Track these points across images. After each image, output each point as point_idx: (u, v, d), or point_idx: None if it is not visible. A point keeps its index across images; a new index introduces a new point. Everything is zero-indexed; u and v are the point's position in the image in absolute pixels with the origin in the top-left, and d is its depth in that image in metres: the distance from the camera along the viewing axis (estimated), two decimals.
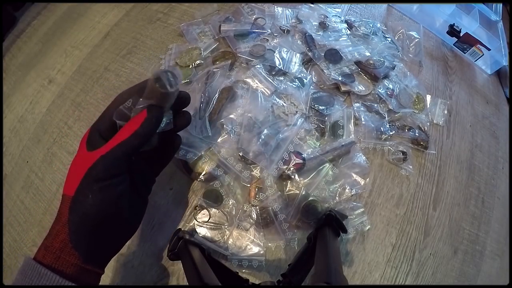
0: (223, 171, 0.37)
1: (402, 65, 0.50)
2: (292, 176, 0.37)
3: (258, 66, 0.44)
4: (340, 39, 0.50)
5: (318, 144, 0.40)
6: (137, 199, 0.28)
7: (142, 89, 0.25)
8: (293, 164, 0.37)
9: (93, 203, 0.23)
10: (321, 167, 0.38)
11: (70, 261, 0.22)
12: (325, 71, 0.45)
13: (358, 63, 0.47)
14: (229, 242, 0.35)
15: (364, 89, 0.45)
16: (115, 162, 0.24)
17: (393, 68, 0.48)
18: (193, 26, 0.50)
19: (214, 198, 0.36)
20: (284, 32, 0.49)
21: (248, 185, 0.37)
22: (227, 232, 0.35)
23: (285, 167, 0.37)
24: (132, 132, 0.24)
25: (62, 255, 0.22)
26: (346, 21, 0.53)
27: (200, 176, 0.37)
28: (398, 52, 0.51)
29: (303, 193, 0.36)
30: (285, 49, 0.46)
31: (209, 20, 0.51)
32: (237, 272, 0.31)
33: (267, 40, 0.48)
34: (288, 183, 0.37)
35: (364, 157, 0.40)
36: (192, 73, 0.45)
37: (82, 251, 0.23)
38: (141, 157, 0.29)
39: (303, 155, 0.38)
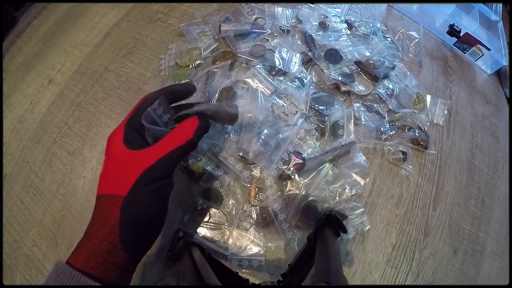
0: (223, 171, 0.37)
1: (402, 65, 0.50)
2: (292, 176, 0.37)
3: (258, 66, 0.44)
4: (340, 39, 0.50)
5: (318, 144, 0.40)
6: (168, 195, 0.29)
7: (171, 93, 0.28)
8: (293, 164, 0.37)
9: (148, 204, 0.23)
10: (321, 167, 0.38)
11: (118, 263, 0.22)
12: (325, 71, 0.45)
13: (358, 63, 0.47)
14: (229, 242, 0.35)
15: (364, 89, 0.45)
16: (171, 165, 0.25)
17: (393, 68, 0.48)
18: (193, 26, 0.50)
19: (214, 198, 0.36)
20: (284, 32, 0.49)
21: (248, 185, 0.37)
22: (227, 232, 0.35)
23: (285, 167, 0.37)
24: (187, 139, 0.25)
25: (110, 258, 0.21)
26: (346, 21, 0.53)
27: (200, 176, 0.37)
28: (398, 52, 0.51)
29: (303, 193, 0.36)
30: (285, 49, 0.46)
31: (209, 20, 0.51)
32: (237, 272, 0.31)
33: (267, 40, 0.48)
34: (288, 183, 0.37)
35: (364, 157, 0.40)
36: (192, 73, 0.45)
37: (131, 252, 0.23)
38: None
39: (303, 155, 0.38)
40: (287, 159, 0.38)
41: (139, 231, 0.23)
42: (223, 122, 0.30)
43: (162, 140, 0.25)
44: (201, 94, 0.40)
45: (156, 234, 0.27)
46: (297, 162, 0.37)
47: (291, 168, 0.37)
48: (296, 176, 0.37)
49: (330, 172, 0.38)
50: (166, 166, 0.24)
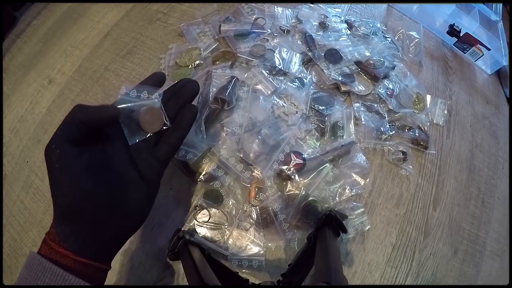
0: (223, 171, 0.37)
1: (402, 65, 0.50)
2: (292, 177, 0.37)
3: (258, 66, 0.44)
4: (340, 39, 0.50)
5: (318, 144, 0.40)
6: (137, 181, 0.25)
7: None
8: (293, 164, 0.37)
9: (57, 190, 0.22)
10: (321, 168, 0.38)
11: (63, 253, 0.21)
12: (325, 71, 0.45)
13: (358, 63, 0.47)
14: (229, 242, 0.35)
15: (364, 89, 0.45)
16: (61, 142, 0.22)
17: (393, 68, 0.48)
18: (193, 26, 0.50)
19: (214, 198, 0.36)
20: (284, 32, 0.49)
21: (248, 186, 0.37)
22: (227, 232, 0.35)
23: (285, 167, 0.37)
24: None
25: (55, 247, 0.21)
26: (346, 21, 0.53)
27: (200, 176, 0.37)
28: (398, 52, 0.51)
29: (303, 193, 0.36)
30: (285, 49, 0.46)
31: (209, 20, 0.51)
32: (237, 272, 0.31)
33: (267, 40, 0.48)
34: (288, 183, 0.37)
35: (364, 157, 0.40)
36: (192, 73, 0.45)
37: (70, 243, 0.21)
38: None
39: (303, 155, 0.38)
40: (282, 159, 0.37)
41: (74, 219, 0.22)
42: (181, 99, 0.28)
43: None
44: (199, 96, 0.40)
45: (115, 222, 0.23)
46: (297, 162, 0.37)
47: (291, 169, 0.37)
48: (296, 176, 0.37)
49: (330, 173, 0.38)
50: (60, 128, 0.22)
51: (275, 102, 0.41)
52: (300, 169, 0.37)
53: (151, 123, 0.26)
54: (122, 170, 0.25)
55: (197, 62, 0.46)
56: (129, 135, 0.25)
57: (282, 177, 0.37)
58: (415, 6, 0.59)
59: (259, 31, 0.48)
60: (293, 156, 0.38)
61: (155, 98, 0.26)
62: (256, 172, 0.37)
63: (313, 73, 0.46)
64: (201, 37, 0.49)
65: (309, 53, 0.47)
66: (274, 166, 0.37)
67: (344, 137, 0.41)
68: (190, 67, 0.45)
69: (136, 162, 0.26)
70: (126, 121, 0.25)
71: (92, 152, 0.23)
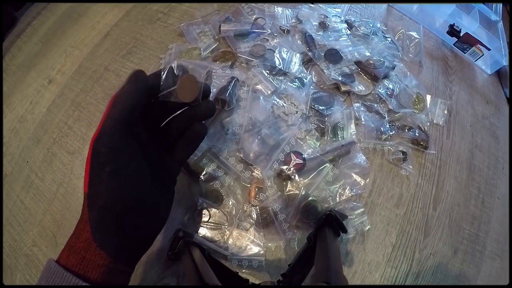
0: (223, 171, 0.37)
1: (402, 65, 0.50)
2: (292, 177, 0.37)
3: (258, 66, 0.44)
4: (340, 39, 0.50)
5: (318, 144, 0.40)
6: (161, 185, 0.25)
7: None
8: (293, 164, 0.37)
9: (107, 195, 0.21)
10: (321, 168, 0.38)
11: (97, 261, 0.20)
12: (325, 71, 0.45)
13: (358, 63, 0.47)
14: (229, 242, 0.35)
15: (364, 89, 0.45)
16: (114, 128, 0.21)
17: (393, 68, 0.48)
18: (193, 26, 0.50)
19: (214, 198, 0.36)
20: (284, 32, 0.49)
21: (248, 185, 0.37)
22: (227, 232, 0.35)
23: (285, 167, 0.37)
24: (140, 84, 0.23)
25: (88, 256, 0.20)
26: (346, 21, 0.53)
27: (200, 176, 0.37)
28: (398, 52, 0.51)
29: (303, 193, 0.36)
30: (285, 49, 0.46)
31: (209, 20, 0.51)
32: (237, 272, 0.31)
33: (267, 40, 0.48)
34: (288, 183, 0.37)
35: (364, 157, 0.40)
36: None
37: (109, 250, 0.21)
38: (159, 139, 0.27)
39: (303, 156, 0.38)
40: (282, 159, 0.37)
41: (114, 226, 0.21)
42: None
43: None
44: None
45: (146, 227, 0.24)
46: (297, 162, 0.37)
47: (292, 169, 0.37)
48: (296, 176, 0.37)
49: (330, 173, 0.38)
50: (108, 132, 0.21)
51: (275, 102, 0.41)
52: (300, 169, 0.37)
53: (186, 91, 0.25)
54: (154, 174, 0.24)
55: None
56: (162, 89, 0.25)
57: (282, 177, 0.37)
58: (415, 6, 0.59)
59: (259, 31, 0.48)
60: (293, 156, 0.38)
61: (203, 69, 0.26)
62: (256, 172, 0.37)
63: (313, 73, 0.46)
64: (201, 37, 0.49)
65: (309, 53, 0.47)
66: (274, 166, 0.37)
67: (345, 138, 0.41)
68: None
69: (162, 166, 0.26)
70: (170, 81, 0.25)
71: (134, 152, 0.23)
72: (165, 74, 0.24)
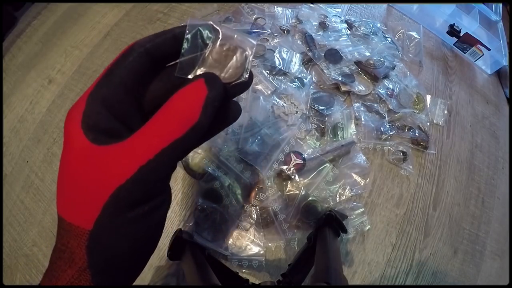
0: (223, 171, 0.37)
1: (402, 65, 0.50)
2: (292, 177, 0.37)
3: (258, 66, 0.44)
4: (340, 39, 0.50)
5: (318, 144, 0.40)
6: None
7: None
8: (293, 164, 0.37)
9: (126, 239, 0.15)
10: (321, 168, 0.38)
11: None
12: (325, 71, 0.45)
13: (358, 63, 0.47)
14: (229, 242, 0.35)
15: (364, 89, 0.45)
16: (159, 173, 0.14)
17: (393, 68, 0.48)
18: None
19: (214, 198, 0.36)
20: (284, 32, 0.49)
21: (249, 185, 0.37)
22: (227, 232, 0.35)
23: (285, 167, 0.37)
24: (192, 123, 0.14)
25: None
26: (346, 21, 0.53)
27: (200, 176, 0.37)
28: (398, 52, 0.51)
29: (303, 193, 0.36)
30: (285, 49, 0.46)
31: (209, 20, 0.51)
32: (237, 272, 0.31)
33: (267, 40, 0.48)
34: (288, 183, 0.37)
35: (364, 157, 0.40)
36: None
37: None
38: None
39: (303, 156, 0.38)
40: (282, 159, 0.37)
41: (116, 272, 0.16)
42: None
43: (146, 127, 0.14)
44: None
45: (143, 265, 0.18)
46: (297, 162, 0.37)
47: (292, 169, 0.37)
48: (296, 176, 0.37)
49: (330, 173, 0.38)
50: (152, 177, 0.14)
51: (275, 102, 0.41)
52: (300, 169, 0.37)
53: (225, 66, 0.16)
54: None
55: None
56: (182, 65, 0.16)
57: (282, 177, 0.37)
58: (415, 6, 0.59)
59: (259, 31, 0.48)
60: (293, 156, 0.38)
61: (250, 42, 0.16)
62: (256, 171, 0.37)
63: (313, 73, 0.46)
64: None
65: (309, 53, 0.47)
66: (274, 166, 0.37)
67: (345, 138, 0.41)
68: None
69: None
70: (191, 49, 0.16)
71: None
72: (190, 38, 0.16)
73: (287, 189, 0.37)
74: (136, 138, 0.14)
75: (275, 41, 0.48)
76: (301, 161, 0.37)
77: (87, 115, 0.15)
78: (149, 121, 0.14)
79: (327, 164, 0.38)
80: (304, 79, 0.44)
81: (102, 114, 0.15)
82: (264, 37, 0.48)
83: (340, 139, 0.41)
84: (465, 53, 0.58)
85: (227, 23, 0.49)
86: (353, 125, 0.42)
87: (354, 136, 0.41)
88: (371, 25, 0.53)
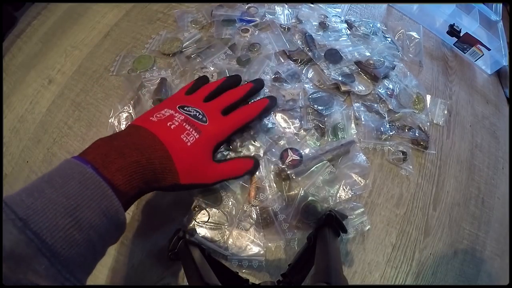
0: None
1: (402, 65, 0.50)
2: (292, 176, 0.37)
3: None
4: (340, 39, 0.50)
5: (318, 145, 0.40)
6: None
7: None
8: (290, 160, 0.37)
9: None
10: (320, 166, 0.38)
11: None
12: (325, 71, 0.45)
13: (358, 63, 0.47)
14: (229, 242, 0.35)
15: (364, 89, 0.45)
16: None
17: (393, 68, 0.48)
18: (187, 14, 0.51)
19: (214, 198, 0.36)
20: (285, 30, 0.49)
21: (248, 185, 0.37)
22: (227, 232, 0.35)
23: (282, 166, 0.37)
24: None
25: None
26: (346, 21, 0.53)
27: None
28: (398, 52, 0.51)
29: (302, 193, 0.36)
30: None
31: (202, 9, 0.52)
32: (237, 272, 0.31)
33: (248, 30, 0.48)
34: (288, 183, 0.37)
35: (364, 157, 0.40)
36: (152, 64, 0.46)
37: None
38: None
39: (299, 152, 0.38)
40: (278, 156, 0.38)
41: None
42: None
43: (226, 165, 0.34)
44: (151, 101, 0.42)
45: None
46: (294, 158, 0.37)
47: (288, 163, 0.37)
48: (295, 175, 0.37)
49: (329, 170, 0.38)
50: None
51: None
52: (297, 165, 0.37)
53: None
54: None
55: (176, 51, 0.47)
56: None
57: (282, 177, 0.37)
58: (415, 6, 0.59)
59: (250, 19, 0.49)
60: (290, 152, 0.38)
61: None
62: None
63: (313, 73, 0.46)
64: (191, 25, 0.50)
65: (309, 53, 0.47)
66: (271, 162, 0.37)
67: (345, 138, 0.41)
68: (170, 55, 0.47)
69: None
70: None
71: None
72: None
73: (287, 189, 0.37)
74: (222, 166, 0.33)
75: (256, 33, 0.48)
76: (297, 158, 0.37)
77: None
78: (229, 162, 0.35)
79: (327, 163, 0.38)
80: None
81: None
82: (246, 27, 0.48)
83: (340, 139, 0.41)
84: (465, 53, 0.58)
85: (219, 9, 0.50)
86: (353, 125, 0.42)
87: (354, 136, 0.41)
88: (371, 25, 0.53)
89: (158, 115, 0.30)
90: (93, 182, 0.20)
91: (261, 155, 0.38)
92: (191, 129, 0.29)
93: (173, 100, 0.33)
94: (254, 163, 0.35)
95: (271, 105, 0.37)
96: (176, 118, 0.29)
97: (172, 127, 0.29)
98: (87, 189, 0.20)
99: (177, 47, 0.47)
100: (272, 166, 0.38)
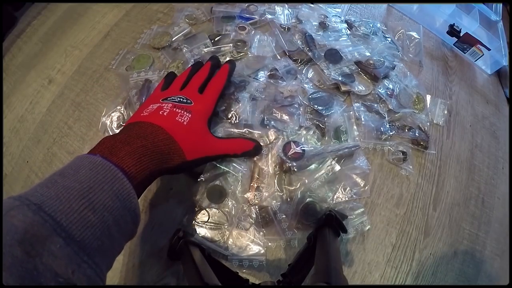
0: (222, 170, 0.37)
1: (402, 65, 0.50)
2: (293, 169, 0.37)
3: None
4: (340, 39, 0.50)
5: (319, 144, 0.40)
6: None
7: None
8: (292, 152, 0.37)
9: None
10: (322, 162, 0.38)
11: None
12: (325, 71, 0.45)
13: (358, 63, 0.47)
14: (229, 242, 0.35)
15: (364, 89, 0.45)
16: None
17: (393, 68, 0.48)
18: (187, 7, 0.52)
19: (214, 198, 0.36)
20: (284, 30, 0.49)
21: (247, 185, 0.37)
22: (227, 232, 0.35)
23: (284, 158, 0.37)
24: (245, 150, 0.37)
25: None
26: (346, 21, 0.53)
27: (201, 176, 0.37)
28: (398, 52, 0.51)
29: (302, 189, 0.37)
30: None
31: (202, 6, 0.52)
32: (237, 272, 0.31)
33: (245, 28, 0.48)
34: (288, 176, 0.38)
35: (366, 161, 0.40)
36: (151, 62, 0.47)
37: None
38: None
39: (301, 146, 0.38)
40: (281, 149, 0.38)
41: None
42: None
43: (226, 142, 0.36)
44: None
45: None
46: (296, 151, 0.37)
47: (290, 156, 0.37)
48: (297, 169, 0.37)
49: (331, 170, 0.38)
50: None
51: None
52: (299, 158, 0.37)
53: None
54: None
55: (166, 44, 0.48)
56: None
57: (283, 169, 0.38)
58: (415, 6, 0.59)
59: (248, 16, 0.49)
60: (293, 145, 0.38)
61: None
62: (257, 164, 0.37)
63: (313, 73, 0.46)
64: (185, 20, 0.50)
65: (309, 53, 0.47)
66: (276, 153, 0.38)
67: (349, 141, 0.41)
68: (159, 49, 0.48)
69: None
70: None
71: None
72: None
73: (286, 188, 0.37)
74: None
75: (252, 32, 0.48)
76: (300, 151, 0.38)
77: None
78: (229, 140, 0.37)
79: (328, 161, 0.38)
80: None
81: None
82: (243, 25, 0.48)
83: (344, 143, 0.41)
84: (465, 53, 0.58)
85: (219, 6, 0.50)
86: (355, 128, 0.42)
87: (357, 138, 0.41)
88: (371, 25, 0.53)
89: (147, 110, 0.32)
90: (103, 167, 0.21)
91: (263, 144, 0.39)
92: (182, 112, 0.32)
93: (154, 97, 0.35)
94: (255, 146, 0.36)
95: (232, 67, 0.41)
96: (165, 107, 0.32)
97: (165, 114, 0.31)
98: (98, 173, 0.21)
99: (166, 41, 0.48)
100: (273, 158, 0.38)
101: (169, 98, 0.34)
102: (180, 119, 0.31)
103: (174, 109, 0.32)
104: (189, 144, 0.30)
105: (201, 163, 0.34)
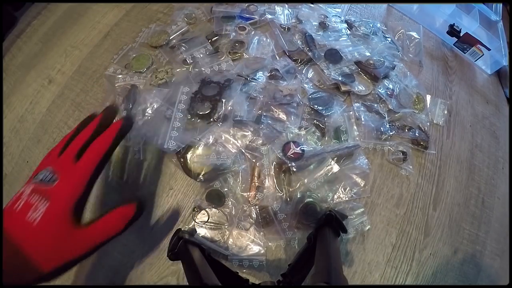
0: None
1: (402, 65, 0.50)
2: (293, 169, 0.37)
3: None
4: (340, 39, 0.50)
5: (319, 144, 0.40)
6: None
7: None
8: (292, 153, 0.37)
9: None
10: (322, 162, 0.38)
11: None
12: (325, 71, 0.45)
13: (358, 63, 0.47)
14: (229, 242, 0.35)
15: (364, 89, 0.45)
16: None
17: (393, 68, 0.48)
18: (187, 7, 0.52)
19: (214, 198, 0.36)
20: (284, 30, 0.49)
21: (248, 185, 0.37)
22: (227, 232, 0.35)
23: (284, 158, 0.37)
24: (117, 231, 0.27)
25: None
26: (346, 21, 0.53)
27: (200, 176, 0.37)
28: (398, 52, 0.51)
29: (302, 189, 0.36)
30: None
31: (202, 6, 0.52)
32: (237, 272, 0.31)
33: (245, 28, 0.48)
34: (288, 176, 0.37)
35: (366, 161, 0.40)
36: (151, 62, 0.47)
37: None
38: None
39: (301, 146, 0.38)
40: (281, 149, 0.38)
41: None
42: None
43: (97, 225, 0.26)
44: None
45: None
46: (296, 151, 0.37)
47: (290, 156, 0.37)
48: (296, 169, 0.37)
49: (331, 170, 0.38)
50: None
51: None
52: (298, 158, 0.37)
53: None
54: None
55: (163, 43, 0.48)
56: None
57: (283, 169, 0.37)
58: (415, 6, 0.59)
59: (248, 16, 0.49)
60: (292, 145, 0.38)
61: None
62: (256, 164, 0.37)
63: (313, 73, 0.46)
64: (183, 19, 0.50)
65: (309, 53, 0.47)
66: (274, 153, 0.38)
67: (349, 141, 0.41)
68: (157, 48, 0.48)
69: None
70: None
71: None
72: None
73: (286, 188, 0.37)
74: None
75: (252, 33, 0.48)
76: (299, 151, 0.37)
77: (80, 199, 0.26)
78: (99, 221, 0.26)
79: (328, 161, 0.38)
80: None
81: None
82: (243, 25, 0.48)
83: (344, 142, 0.41)
84: (465, 53, 0.58)
85: (219, 5, 0.50)
86: (355, 127, 0.42)
87: (357, 138, 0.41)
88: (371, 25, 0.53)
89: (15, 195, 0.26)
90: None
91: (262, 147, 0.38)
92: (38, 202, 0.24)
93: (35, 171, 0.28)
94: (136, 206, 0.28)
95: (126, 124, 0.29)
96: (24, 194, 0.25)
97: (18, 209, 0.24)
98: None
99: (164, 40, 0.48)
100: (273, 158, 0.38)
101: (38, 174, 0.26)
102: (31, 217, 0.23)
103: (31, 197, 0.24)
104: (42, 252, 0.23)
105: (72, 266, 0.25)
